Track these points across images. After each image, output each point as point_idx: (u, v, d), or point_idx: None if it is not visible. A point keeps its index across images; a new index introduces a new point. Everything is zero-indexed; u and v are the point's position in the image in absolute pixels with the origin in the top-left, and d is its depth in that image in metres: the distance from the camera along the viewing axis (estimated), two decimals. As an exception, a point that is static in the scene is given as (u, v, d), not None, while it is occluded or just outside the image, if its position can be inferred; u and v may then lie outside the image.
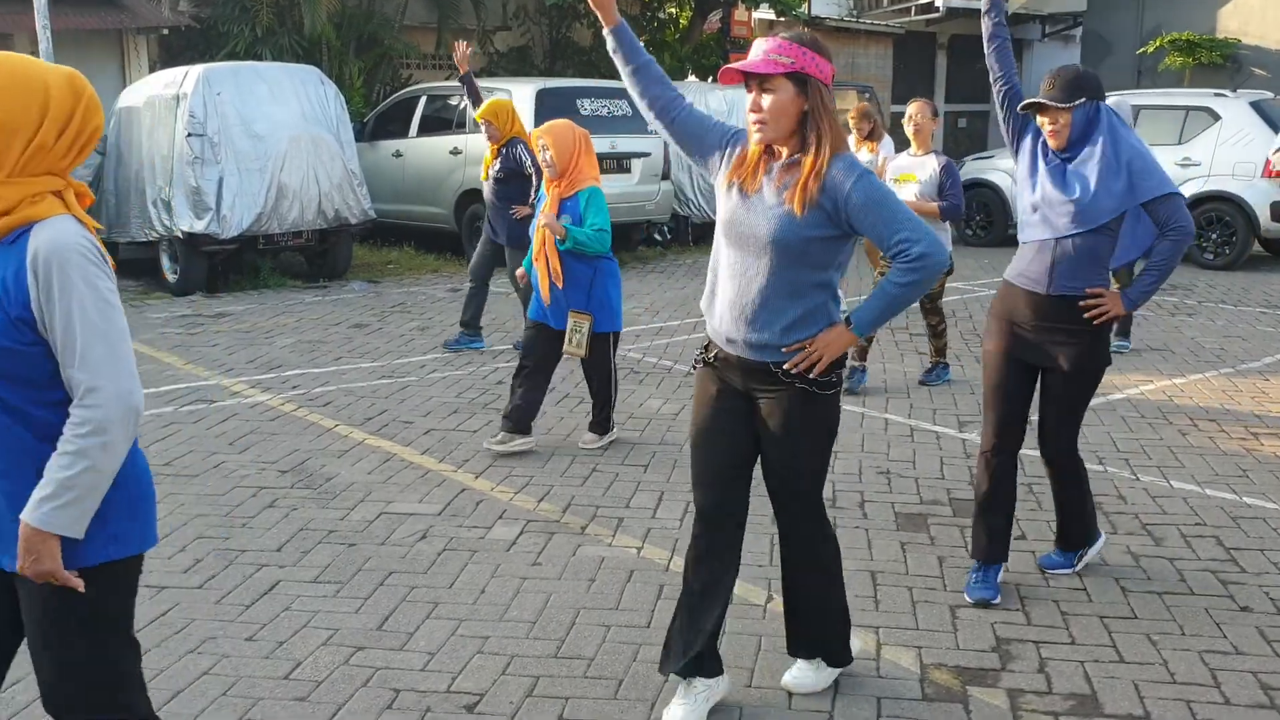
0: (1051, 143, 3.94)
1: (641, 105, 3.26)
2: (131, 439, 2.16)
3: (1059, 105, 3.86)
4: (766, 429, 3.20)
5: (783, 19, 17.40)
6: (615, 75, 14.52)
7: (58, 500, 2.09)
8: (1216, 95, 12.08)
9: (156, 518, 2.37)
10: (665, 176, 12.45)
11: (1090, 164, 3.89)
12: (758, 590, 4.16)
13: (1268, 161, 11.25)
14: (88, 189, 2.26)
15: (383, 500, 5.08)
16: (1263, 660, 3.68)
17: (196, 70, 10.28)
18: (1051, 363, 4.02)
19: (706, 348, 3.28)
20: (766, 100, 2.97)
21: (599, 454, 5.74)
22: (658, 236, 12.97)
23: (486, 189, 7.93)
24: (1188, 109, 11.88)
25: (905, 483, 5.32)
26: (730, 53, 18.06)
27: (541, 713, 3.34)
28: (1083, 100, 3.87)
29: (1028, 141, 4.05)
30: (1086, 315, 3.93)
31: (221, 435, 6.03)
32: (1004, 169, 13.52)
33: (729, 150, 3.18)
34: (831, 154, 3.00)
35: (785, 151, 3.06)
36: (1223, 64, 17.55)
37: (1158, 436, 6.01)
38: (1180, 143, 11.73)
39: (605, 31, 3.21)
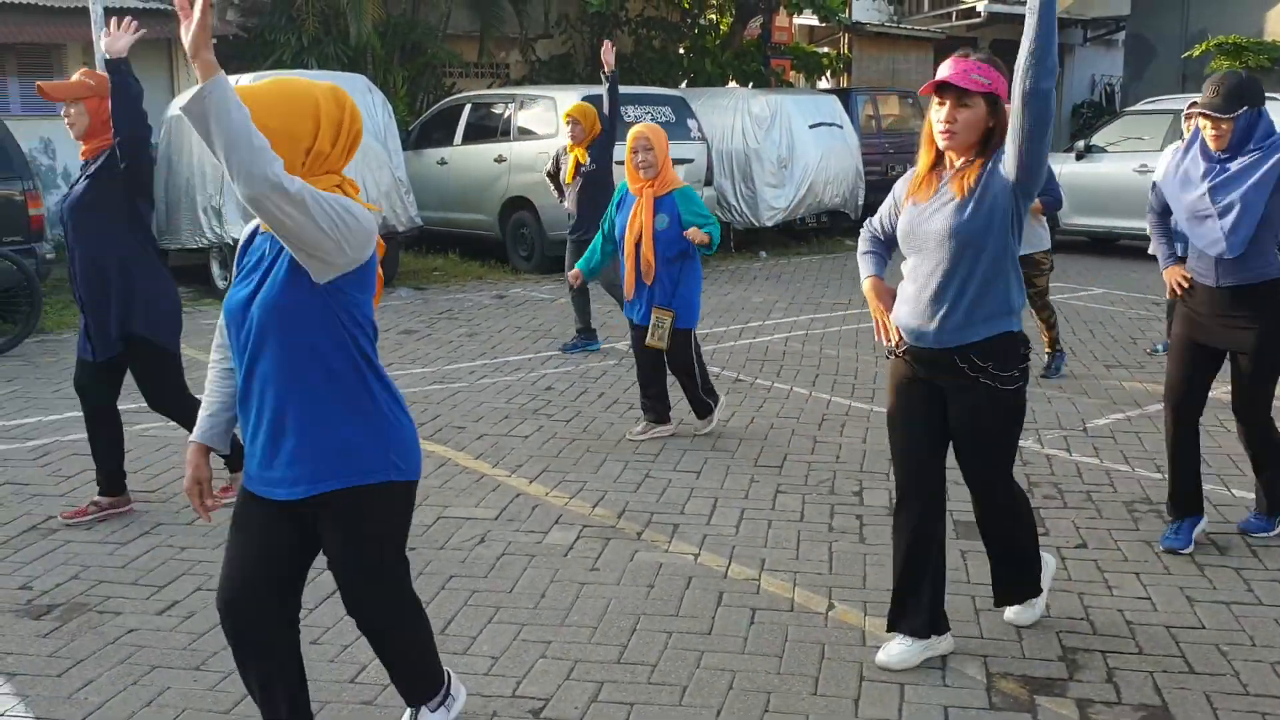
0: (1212, 145, 4.24)
1: None
2: (247, 166, 2.31)
3: (1220, 116, 4.15)
4: (956, 421, 3.54)
5: (825, 24, 17.35)
6: (657, 82, 14.76)
7: (220, 90, 2.27)
8: (1268, 99, 11.92)
9: (421, 457, 2.82)
10: (708, 183, 12.45)
11: (1246, 168, 4.21)
12: (818, 598, 4.14)
13: None
14: (355, 182, 2.69)
15: (440, 504, 5.10)
16: (1336, 672, 3.62)
17: (246, 79, 10.37)
18: (1236, 346, 4.43)
19: (897, 344, 3.59)
20: (962, 114, 3.29)
21: (651, 459, 5.74)
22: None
23: (572, 191, 8.06)
24: (1239, 112, 11.71)
25: (962, 490, 5.20)
26: (771, 58, 18.05)
27: (607, 719, 3.34)
28: (1244, 109, 4.15)
29: (1176, 168, 4.47)
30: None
31: (277, 440, 6.07)
32: (1054, 172, 13.40)
33: (903, 192, 3.58)
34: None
35: (959, 161, 3.39)
36: (1271, 67, 17.32)
37: (1216, 445, 5.92)
38: (1231, 147, 11.58)
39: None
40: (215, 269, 10.72)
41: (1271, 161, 4.20)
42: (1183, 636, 3.85)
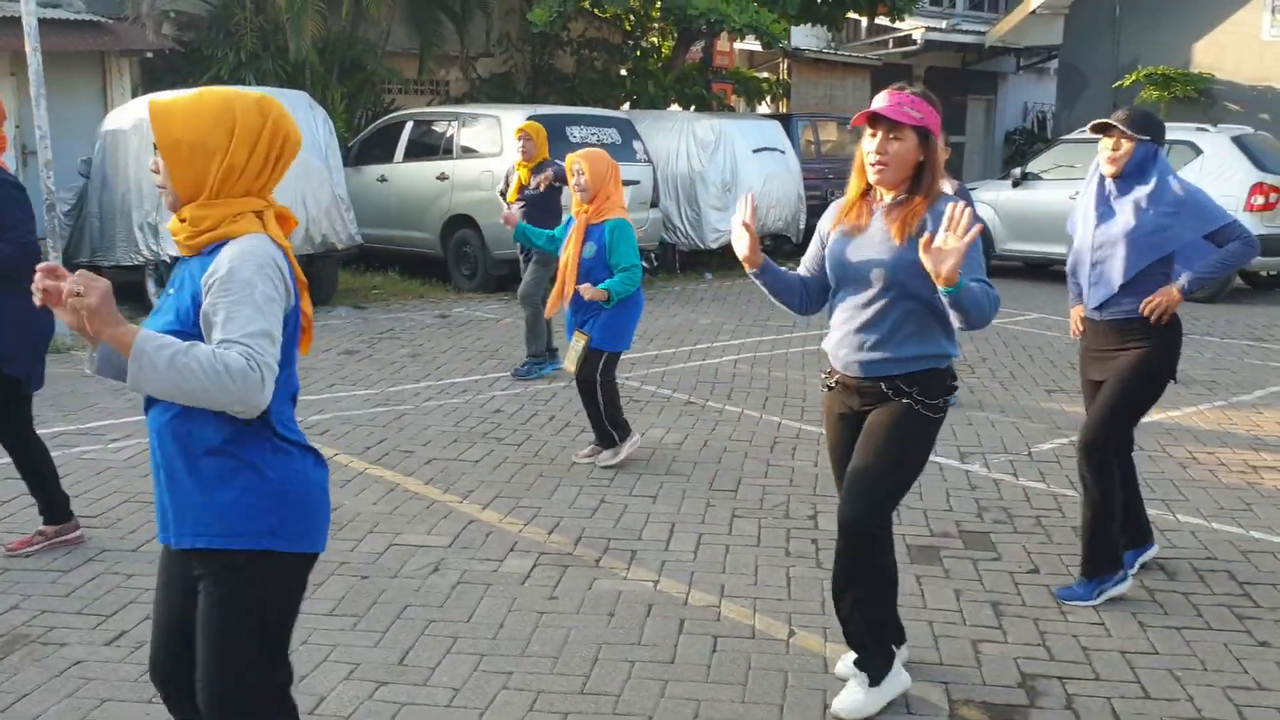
0: (1108, 169, 4.24)
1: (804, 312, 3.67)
2: (234, 406, 2.19)
3: (1127, 132, 4.17)
4: (865, 433, 3.44)
5: (767, 49, 17.50)
6: (598, 103, 14.73)
7: (167, 351, 2.10)
8: (1199, 130, 12.26)
9: (327, 528, 2.51)
10: (654, 205, 12.49)
11: (1141, 202, 4.20)
12: (779, 625, 4.13)
13: (1251, 192, 11.41)
14: (290, 212, 2.45)
15: (391, 531, 5.02)
16: (1287, 696, 3.69)
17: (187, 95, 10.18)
18: (1109, 373, 4.36)
19: (829, 374, 3.58)
20: (893, 146, 3.26)
21: (606, 484, 5.70)
22: (645, 264, 12.99)
23: (517, 209, 7.99)
24: (1171, 143, 12.00)
25: (914, 514, 5.32)
26: (712, 82, 18.17)
27: (573, 751, 3.30)
28: (1149, 139, 4.18)
29: (1079, 208, 4.48)
30: (1147, 315, 4.22)
31: (221, 464, 5.94)
32: (986, 200, 13.65)
33: (828, 226, 3.53)
34: (939, 195, 3.34)
35: (890, 194, 3.36)
36: (1197, 98, 17.81)
37: (1159, 470, 6.04)
38: (1163, 176, 11.88)
39: (750, 273, 3.51)
40: (150, 286, 10.48)
41: (1162, 237, 4.19)
42: (1137, 662, 3.91)
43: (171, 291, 2.40)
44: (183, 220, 2.35)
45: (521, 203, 8.04)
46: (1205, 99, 17.85)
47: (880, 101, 3.28)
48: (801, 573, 4.63)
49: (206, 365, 2.11)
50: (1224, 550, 4.93)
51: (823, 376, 3.65)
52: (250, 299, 2.22)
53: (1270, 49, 16.90)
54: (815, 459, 6.17)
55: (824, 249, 3.53)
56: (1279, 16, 16.40)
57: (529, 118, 11.57)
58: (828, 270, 3.49)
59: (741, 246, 3.40)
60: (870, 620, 3.50)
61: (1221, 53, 17.89)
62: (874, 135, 3.29)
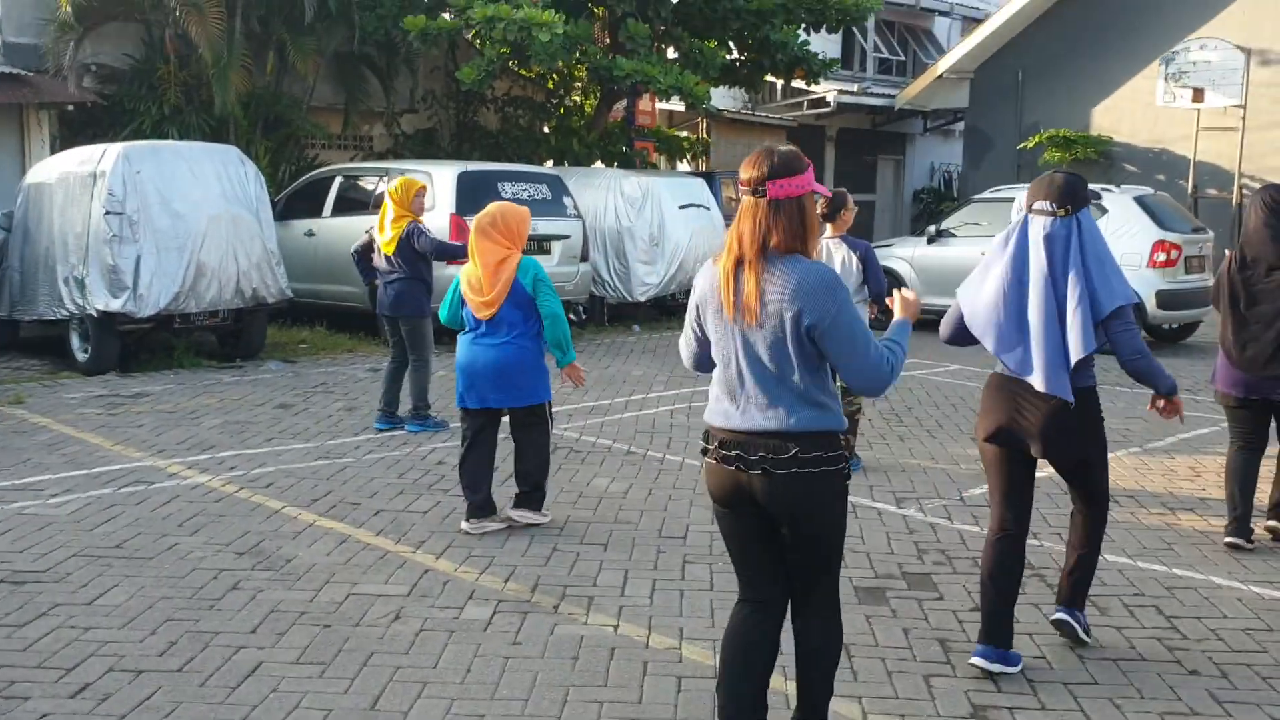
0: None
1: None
2: None
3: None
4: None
5: (690, 110, 17.92)
6: (522, 159, 14.90)
7: None
8: (1103, 189, 12.84)
9: None
10: (584, 259, 12.68)
11: None
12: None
13: (1153, 249, 11.96)
14: None
15: (348, 581, 5.05)
16: (1219, 721, 3.92)
17: (116, 148, 10.15)
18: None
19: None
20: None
21: (557, 534, 5.79)
22: (573, 316, 13.16)
23: (393, 263, 8.00)
24: (1077, 202, 12.58)
25: (858, 557, 5.50)
26: (634, 140, 18.52)
27: (552, 789, 3.38)
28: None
29: None
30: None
31: (168, 517, 5.91)
32: (903, 256, 14.10)
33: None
34: None
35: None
36: (1097, 159, 18.63)
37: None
38: (1070, 234, 12.40)
39: None
40: (75, 341, 10.34)
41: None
42: (1080, 692, 4.11)
43: None
44: None
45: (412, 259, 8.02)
46: (1104, 160, 18.68)
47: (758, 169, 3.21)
48: (755, 615, 4.76)
49: None
50: (1150, 587, 5.19)
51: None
52: None
53: (1164, 114, 17.78)
54: (758, 506, 6.33)
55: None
56: (1170, 84, 17.28)
57: (461, 174, 11.80)
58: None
59: None
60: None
61: (1119, 117, 18.77)
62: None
